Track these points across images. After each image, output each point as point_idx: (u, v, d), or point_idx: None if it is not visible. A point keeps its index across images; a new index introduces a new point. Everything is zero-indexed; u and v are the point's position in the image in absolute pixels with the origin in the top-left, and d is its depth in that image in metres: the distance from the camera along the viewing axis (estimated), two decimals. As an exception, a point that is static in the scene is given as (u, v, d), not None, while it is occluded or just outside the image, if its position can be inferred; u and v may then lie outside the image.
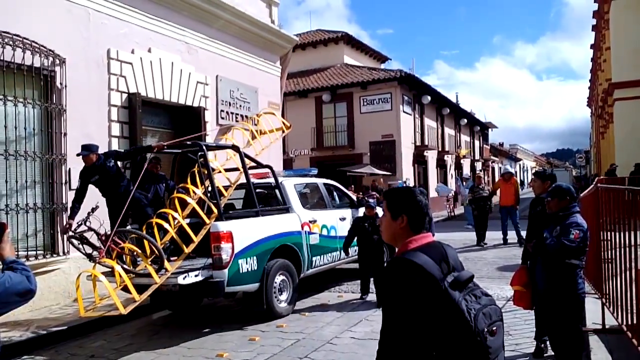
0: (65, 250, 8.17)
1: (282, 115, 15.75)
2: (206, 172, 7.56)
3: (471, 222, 16.21)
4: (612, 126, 24.28)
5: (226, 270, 6.62)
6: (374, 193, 16.04)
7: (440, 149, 31.90)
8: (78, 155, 7.07)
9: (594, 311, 5.67)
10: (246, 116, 12.63)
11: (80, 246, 6.92)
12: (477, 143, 44.66)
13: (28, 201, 7.96)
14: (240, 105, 13.23)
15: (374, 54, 32.45)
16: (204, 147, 7.51)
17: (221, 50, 12.64)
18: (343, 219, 9.29)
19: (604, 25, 25.52)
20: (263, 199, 8.80)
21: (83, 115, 8.98)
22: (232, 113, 12.88)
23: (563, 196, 4.45)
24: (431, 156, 29.93)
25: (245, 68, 13.55)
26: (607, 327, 5.32)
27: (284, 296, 7.55)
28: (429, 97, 27.95)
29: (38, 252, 8.00)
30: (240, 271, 6.81)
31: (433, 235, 2.31)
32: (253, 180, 8.40)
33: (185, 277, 6.38)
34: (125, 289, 6.20)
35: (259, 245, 7.16)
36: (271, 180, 8.64)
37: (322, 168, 26.68)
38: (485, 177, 46.33)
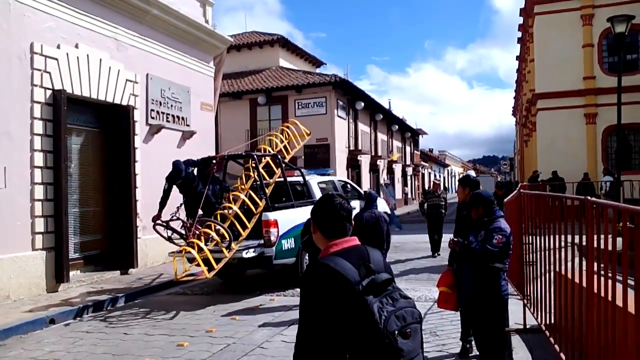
0: None
1: (216, 117, 15.59)
2: (256, 175, 9.89)
3: (398, 225, 16.46)
4: (535, 135, 25.48)
5: (274, 248, 8.92)
6: None
7: (373, 154, 32.40)
8: (175, 171, 9.58)
9: (516, 312, 5.90)
10: (270, 134, 12.63)
11: (163, 232, 9.59)
12: (408, 149, 45.70)
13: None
14: (172, 105, 12.93)
15: (309, 58, 32.58)
16: (256, 157, 9.92)
17: (152, 48, 12.32)
18: (354, 208, 10.23)
19: (529, 38, 26.78)
20: (295, 193, 10.76)
21: (3, 112, 8.52)
22: (162, 113, 12.58)
23: (477, 205, 4.62)
24: (364, 161, 30.34)
25: (178, 67, 13.27)
26: (528, 327, 5.55)
27: None
28: (363, 103, 28.34)
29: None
30: (283, 249, 9.11)
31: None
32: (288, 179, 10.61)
33: (247, 252, 8.77)
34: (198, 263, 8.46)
35: (295, 229, 9.18)
36: (300, 179, 11.15)
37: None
38: (415, 182, 47.50)
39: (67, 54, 9.81)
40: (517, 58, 36.13)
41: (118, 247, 11.13)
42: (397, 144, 40.86)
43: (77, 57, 10.06)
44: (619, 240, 3.16)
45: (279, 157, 10.59)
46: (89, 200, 10.89)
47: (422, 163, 53.65)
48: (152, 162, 11.96)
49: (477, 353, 4.84)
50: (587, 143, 22.51)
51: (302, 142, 12.76)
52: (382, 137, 35.61)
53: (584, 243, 3.68)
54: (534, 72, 24.64)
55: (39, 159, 9.14)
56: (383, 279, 2.02)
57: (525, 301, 5.76)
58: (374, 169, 32.70)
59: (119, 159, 11.23)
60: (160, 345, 6.35)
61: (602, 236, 3.31)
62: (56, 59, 9.58)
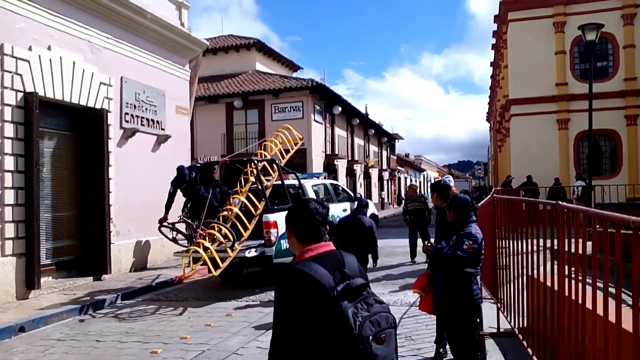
0: None
1: (191, 121, 15.50)
2: (256, 178, 10.53)
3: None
4: (508, 140, 25.85)
5: (274, 248, 9.47)
6: None
7: (350, 158, 32.51)
8: (179, 175, 10.46)
9: (490, 316, 5.95)
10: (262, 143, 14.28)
11: (169, 234, 10.61)
12: (384, 153, 45.97)
13: None
14: (147, 108, 12.80)
15: (286, 62, 32.60)
16: (256, 161, 10.59)
17: (127, 51, 12.19)
18: (345, 210, 11.98)
19: (503, 44, 27.17)
20: (291, 196, 11.26)
21: (-29, 114, 8.34)
22: (137, 116, 12.44)
23: (450, 208, 4.71)
24: (341, 165, 30.43)
25: (153, 70, 13.15)
26: (501, 330, 5.61)
27: None
28: (340, 108, 28.44)
29: None
30: (282, 248, 9.51)
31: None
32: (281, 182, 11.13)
33: (249, 252, 9.31)
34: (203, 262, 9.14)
35: None
36: (295, 182, 11.65)
37: (233, 175, 26.54)
38: (391, 187, 47.73)
39: (39, 56, 9.64)
40: (492, 64, 36.63)
41: (91, 253, 10.95)
42: (373, 148, 41.07)
43: (50, 59, 9.90)
44: (589, 244, 3.21)
45: (276, 161, 11.45)
46: (61, 205, 10.70)
47: (399, 168, 54.00)
48: (127, 166, 11.82)
49: (452, 357, 4.87)
50: (559, 148, 22.92)
51: (295, 147, 13.33)
52: (358, 141, 35.77)
53: (556, 247, 3.74)
54: (508, 78, 25.02)
55: (9, 163, 8.96)
56: (358, 284, 2.02)
57: (499, 305, 5.81)
58: (350, 173, 32.81)
59: (93, 163, 11.06)
60: (133, 353, 6.27)
61: (573, 240, 3.36)
62: (28, 61, 9.41)
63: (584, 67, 22.62)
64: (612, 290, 2.74)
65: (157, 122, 13.22)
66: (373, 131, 39.01)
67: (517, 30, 23.67)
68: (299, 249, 2.22)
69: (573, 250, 3.35)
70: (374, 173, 40.31)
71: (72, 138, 11.05)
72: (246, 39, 29.76)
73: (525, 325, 4.76)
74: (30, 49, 9.49)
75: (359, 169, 34.94)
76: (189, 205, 10.67)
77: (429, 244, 4.81)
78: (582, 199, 17.09)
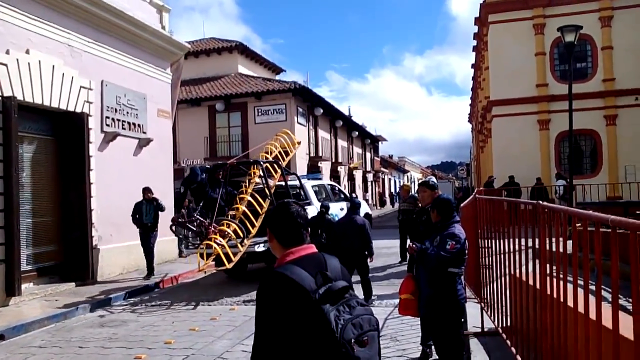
0: None
1: (173, 124, 15.42)
2: (263, 178, 11.30)
3: None
4: (490, 141, 26.05)
5: None
6: None
7: (333, 160, 32.54)
8: (192, 175, 11.45)
9: (474, 315, 5.98)
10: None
11: (180, 232, 11.61)
12: (368, 155, 46.09)
13: None
14: (128, 112, 12.69)
15: (268, 65, 32.54)
16: (261, 163, 11.49)
17: (107, 54, 12.08)
18: (342, 209, 12.59)
19: (484, 46, 27.41)
20: (292, 195, 12.02)
21: (-52, 119, 8.19)
22: (118, 120, 12.33)
23: (433, 208, 4.72)
24: (325, 167, 30.42)
25: (134, 74, 13.04)
26: (486, 330, 5.64)
27: None
28: (322, 110, 28.46)
29: None
30: None
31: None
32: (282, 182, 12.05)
33: (258, 247, 9.95)
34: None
35: None
36: (296, 182, 12.58)
37: (215, 178, 26.40)
38: (375, 188, 47.86)
39: (17, 59, 9.51)
40: (473, 66, 36.92)
41: (73, 258, 10.83)
42: (357, 150, 41.16)
43: (29, 63, 9.78)
44: (570, 242, 3.25)
45: (280, 163, 12.41)
46: (42, 210, 10.57)
47: (382, 169, 54.16)
48: (108, 170, 11.71)
49: (437, 357, 4.89)
50: (540, 149, 23.17)
51: (294, 150, 14.19)
52: (342, 143, 35.82)
53: (537, 246, 3.77)
54: (489, 80, 25.23)
55: (-12, 169, 8.83)
56: (340, 287, 2.00)
57: (483, 304, 5.85)
58: (334, 175, 32.82)
59: (74, 167, 10.94)
60: (117, 359, 6.20)
61: (554, 239, 3.39)
62: (5, 65, 9.27)
63: (563, 68, 22.91)
64: (593, 288, 2.77)
65: (139, 125, 13.12)
66: (357, 133, 39.10)
67: (497, 32, 23.88)
68: (280, 252, 2.20)
69: (554, 249, 3.38)
70: (358, 175, 40.38)
71: (53, 142, 10.92)
72: (228, 42, 29.66)
73: (508, 324, 4.80)
74: (7, 52, 9.35)
75: (343, 170, 34.98)
76: (200, 205, 11.30)
77: (413, 245, 4.82)
78: (564, 197, 17.27)
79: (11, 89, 9.34)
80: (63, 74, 10.62)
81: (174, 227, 11.10)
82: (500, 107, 23.73)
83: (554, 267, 3.35)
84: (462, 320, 5.03)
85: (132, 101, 12.85)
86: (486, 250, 5.72)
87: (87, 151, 11.04)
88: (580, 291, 2.79)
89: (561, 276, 3.15)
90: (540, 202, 3.71)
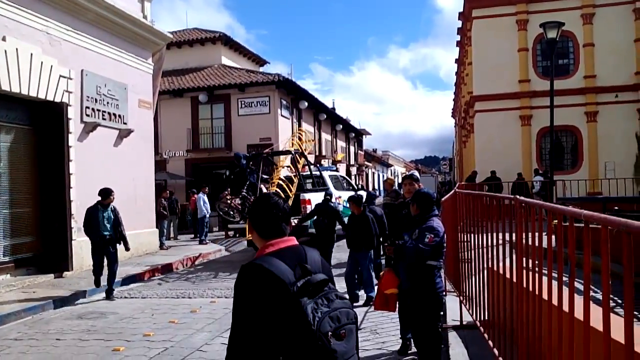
0: None
1: (155, 115, 15.30)
2: (294, 166, 14.47)
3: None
4: (472, 136, 26.21)
5: (309, 220, 11.48)
6: None
7: (317, 154, 32.50)
8: (236, 159, 13.13)
9: (453, 308, 6.03)
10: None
11: (225, 213, 12.81)
12: (352, 149, 46.12)
13: None
14: (108, 102, 12.54)
15: (252, 57, 32.33)
16: (294, 152, 14.80)
17: (88, 43, 11.91)
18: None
19: (467, 41, 27.53)
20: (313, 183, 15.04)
21: None
22: (98, 110, 12.18)
23: (412, 202, 4.73)
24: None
25: (114, 63, 12.88)
26: (464, 323, 5.68)
27: None
28: (306, 103, 28.38)
29: None
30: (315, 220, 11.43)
31: None
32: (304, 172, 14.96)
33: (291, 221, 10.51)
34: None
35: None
36: (317, 172, 15.53)
37: (198, 170, 26.26)
38: (360, 182, 47.95)
39: (-6, 47, 9.35)
40: (456, 61, 37.06)
41: (51, 250, 10.71)
42: (341, 143, 41.16)
43: (5, 51, 9.60)
44: (545, 237, 3.28)
45: (305, 154, 15.04)
46: (19, 201, 10.42)
47: (366, 163, 54.27)
48: (88, 161, 11.58)
49: (416, 350, 4.91)
50: (522, 144, 23.37)
51: (310, 146, 16.87)
52: (326, 137, 35.78)
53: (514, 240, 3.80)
54: (472, 75, 25.35)
55: (-37, 158, 8.67)
56: (319, 280, 2.00)
57: (462, 298, 5.89)
58: (318, 168, 32.80)
59: (52, 157, 10.80)
60: (95, 351, 6.14)
61: (530, 233, 3.42)
62: (-18, 53, 9.11)
63: (545, 65, 23.05)
64: (567, 280, 2.80)
65: (119, 116, 12.97)
66: (341, 126, 39.07)
67: (481, 27, 23.99)
68: (260, 244, 2.19)
69: (530, 243, 3.41)
70: (342, 168, 40.42)
71: (31, 132, 10.76)
72: (212, 33, 29.39)
73: (486, 317, 4.84)
74: (-16, 39, 9.19)
75: (326, 164, 34.99)
76: (246, 187, 12.60)
77: (389, 246, 4.84)
78: (540, 193, 17.47)
79: (-12, 77, 9.17)
80: (42, 63, 10.45)
81: (221, 205, 12.80)
82: (482, 103, 23.87)
83: (530, 261, 3.37)
84: (441, 313, 5.06)
85: (113, 91, 12.70)
86: (466, 244, 5.76)
87: (66, 141, 10.91)
88: (555, 284, 2.81)
89: (537, 270, 3.18)
90: (518, 196, 3.73)
